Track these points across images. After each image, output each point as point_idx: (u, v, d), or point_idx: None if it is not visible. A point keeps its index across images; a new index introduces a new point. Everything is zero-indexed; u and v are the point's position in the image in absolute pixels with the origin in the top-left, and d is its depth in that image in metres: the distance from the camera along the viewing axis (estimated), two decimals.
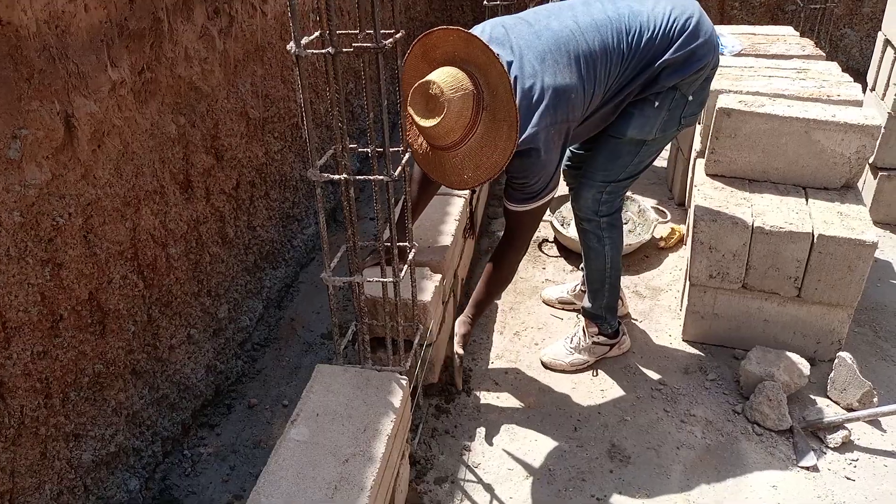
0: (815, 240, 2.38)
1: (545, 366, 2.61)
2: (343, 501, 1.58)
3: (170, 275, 2.19)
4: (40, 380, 1.65)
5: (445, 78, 1.80)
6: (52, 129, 1.59)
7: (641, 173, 2.34)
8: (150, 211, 2.06)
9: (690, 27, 2.03)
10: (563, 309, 2.94)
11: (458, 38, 1.84)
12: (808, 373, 2.40)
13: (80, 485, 1.81)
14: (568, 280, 3.09)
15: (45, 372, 1.66)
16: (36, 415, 1.64)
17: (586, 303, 2.58)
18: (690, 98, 2.13)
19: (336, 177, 1.84)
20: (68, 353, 1.74)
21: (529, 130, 1.92)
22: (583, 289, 2.89)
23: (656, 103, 2.10)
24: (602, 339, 2.59)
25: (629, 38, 2.03)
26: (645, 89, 2.10)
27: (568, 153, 2.59)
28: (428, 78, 1.80)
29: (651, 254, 3.29)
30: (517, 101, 1.91)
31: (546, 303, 2.98)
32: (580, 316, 2.67)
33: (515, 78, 1.95)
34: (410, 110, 1.83)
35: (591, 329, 2.58)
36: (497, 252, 2.33)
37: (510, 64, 1.96)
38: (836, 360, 2.40)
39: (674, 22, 2.04)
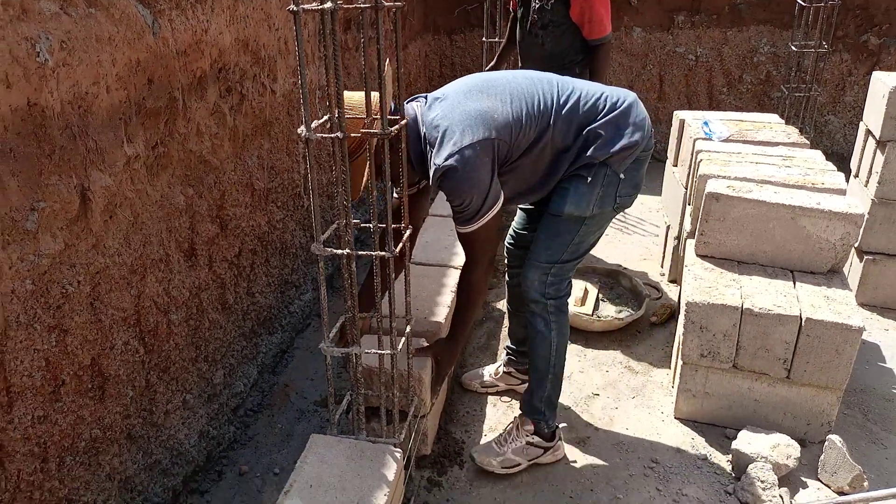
0: (802, 323, 2.44)
1: (476, 463, 2.46)
2: None
3: (170, 341, 2.23)
4: (39, 444, 1.67)
5: (352, 96, 1.92)
6: (68, 202, 1.66)
7: (584, 255, 2.35)
8: (155, 279, 2.11)
9: (621, 108, 2.16)
10: (486, 393, 2.87)
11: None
12: (799, 455, 2.42)
13: None
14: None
15: (43, 436, 1.68)
16: (32, 479, 1.66)
17: (526, 395, 2.50)
18: (622, 177, 2.19)
19: (339, 251, 1.91)
20: (67, 417, 1.76)
21: (447, 150, 1.99)
22: (505, 370, 2.86)
23: (589, 179, 2.16)
24: (537, 440, 2.47)
25: (559, 93, 2.14)
26: (576, 160, 2.17)
27: (512, 233, 2.63)
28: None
29: (643, 329, 3.34)
30: (439, 133, 2.02)
31: (466, 388, 2.88)
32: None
33: (435, 117, 2.05)
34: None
35: (527, 427, 2.47)
36: (462, 277, 2.28)
37: (430, 112, 2.09)
38: (826, 443, 2.43)
39: (605, 98, 2.17)
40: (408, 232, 2.01)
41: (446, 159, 2.00)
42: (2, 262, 1.48)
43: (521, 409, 2.53)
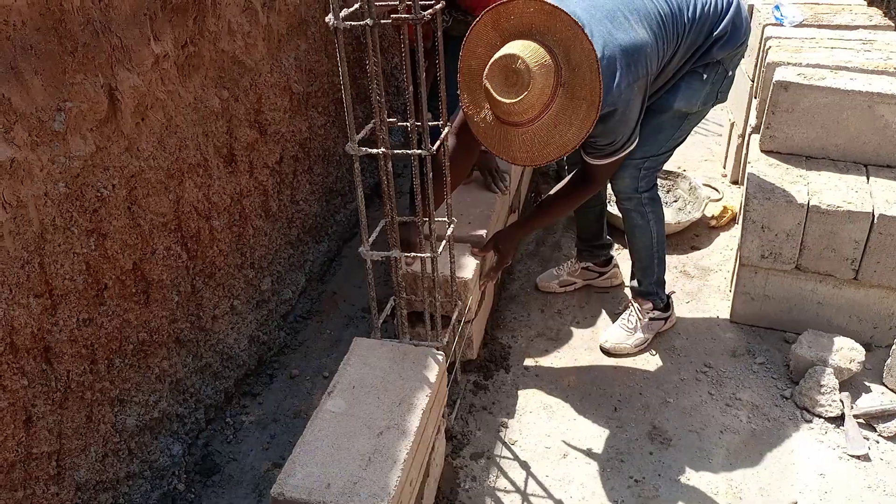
0: (875, 220, 2.27)
1: (608, 353, 2.54)
2: (376, 474, 1.59)
3: (213, 247, 2.23)
4: (86, 346, 1.70)
5: (530, 53, 1.73)
6: (95, 102, 1.62)
7: (676, 149, 2.35)
8: (194, 184, 2.09)
9: (734, 4, 2.15)
10: (564, 292, 2.86)
11: (541, 10, 1.77)
12: (863, 359, 2.30)
13: (124, 448, 1.87)
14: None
15: (90, 339, 1.71)
16: (82, 379, 1.70)
17: (635, 283, 2.55)
18: (730, 73, 2.21)
19: (374, 151, 1.83)
20: (113, 321, 1.79)
21: (612, 92, 1.90)
22: (583, 266, 2.82)
23: (704, 76, 2.15)
24: (657, 314, 2.55)
25: (688, 8, 2.08)
26: (697, 62, 2.15)
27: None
28: (511, 52, 1.73)
29: (701, 232, 3.20)
30: None
31: (544, 290, 2.87)
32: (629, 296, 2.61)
33: None
34: (488, 84, 1.78)
35: (646, 306, 2.53)
36: (570, 189, 2.27)
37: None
38: (894, 346, 2.30)
39: None
40: (446, 130, 1.92)
41: (608, 102, 1.91)
42: (32, 164, 1.46)
43: (633, 295, 2.59)
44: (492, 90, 1.77)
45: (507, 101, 1.76)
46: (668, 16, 2.02)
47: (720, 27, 2.10)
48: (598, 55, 1.85)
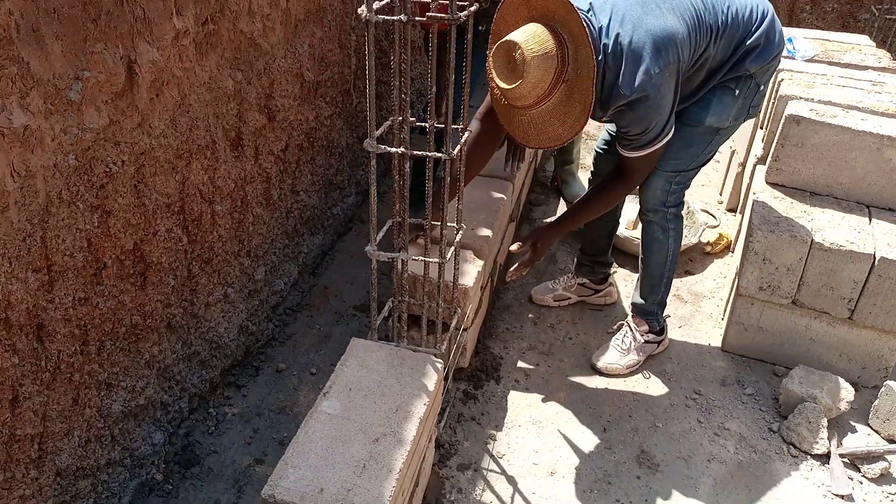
0: (876, 262, 2.29)
1: (600, 372, 2.51)
2: (371, 482, 1.55)
3: (213, 232, 2.17)
4: (79, 326, 1.64)
5: (533, 45, 1.78)
6: (113, 74, 1.56)
7: (706, 164, 2.35)
8: (201, 166, 2.03)
9: (769, 16, 2.14)
10: (558, 306, 2.84)
11: (562, 1, 1.82)
12: (853, 398, 2.32)
13: (107, 434, 1.81)
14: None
15: (84, 319, 1.65)
16: (72, 361, 1.63)
17: (638, 299, 2.54)
18: (762, 88, 2.19)
19: (393, 149, 1.79)
20: (108, 301, 1.72)
21: (640, 77, 1.91)
22: (579, 282, 2.80)
23: (736, 91, 2.14)
24: (652, 336, 2.54)
25: (723, 9, 2.07)
26: (728, 72, 2.14)
27: (606, 137, 2.53)
28: (514, 39, 1.78)
29: (696, 258, 3.20)
30: (623, 55, 1.91)
31: (538, 303, 2.84)
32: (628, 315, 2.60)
33: (617, 35, 1.92)
34: (491, 63, 1.85)
35: (642, 327, 2.53)
36: (607, 185, 2.28)
37: (607, 27, 1.94)
38: (882, 389, 2.31)
39: (756, 8, 2.12)
40: (466, 134, 1.89)
41: (637, 88, 1.91)
42: (44, 133, 1.40)
43: (633, 311, 2.58)
44: (493, 71, 1.85)
45: (504, 85, 1.84)
46: (703, 10, 2.02)
47: (753, 37, 2.09)
48: (627, 40, 1.90)
